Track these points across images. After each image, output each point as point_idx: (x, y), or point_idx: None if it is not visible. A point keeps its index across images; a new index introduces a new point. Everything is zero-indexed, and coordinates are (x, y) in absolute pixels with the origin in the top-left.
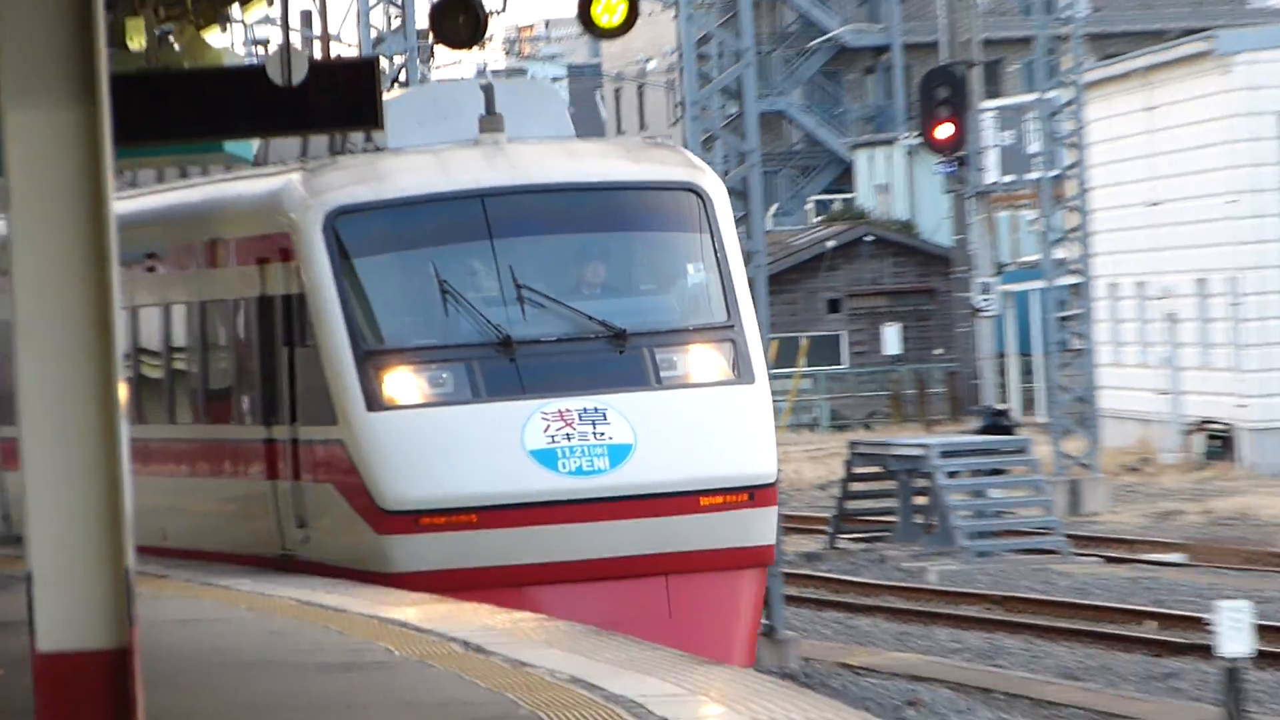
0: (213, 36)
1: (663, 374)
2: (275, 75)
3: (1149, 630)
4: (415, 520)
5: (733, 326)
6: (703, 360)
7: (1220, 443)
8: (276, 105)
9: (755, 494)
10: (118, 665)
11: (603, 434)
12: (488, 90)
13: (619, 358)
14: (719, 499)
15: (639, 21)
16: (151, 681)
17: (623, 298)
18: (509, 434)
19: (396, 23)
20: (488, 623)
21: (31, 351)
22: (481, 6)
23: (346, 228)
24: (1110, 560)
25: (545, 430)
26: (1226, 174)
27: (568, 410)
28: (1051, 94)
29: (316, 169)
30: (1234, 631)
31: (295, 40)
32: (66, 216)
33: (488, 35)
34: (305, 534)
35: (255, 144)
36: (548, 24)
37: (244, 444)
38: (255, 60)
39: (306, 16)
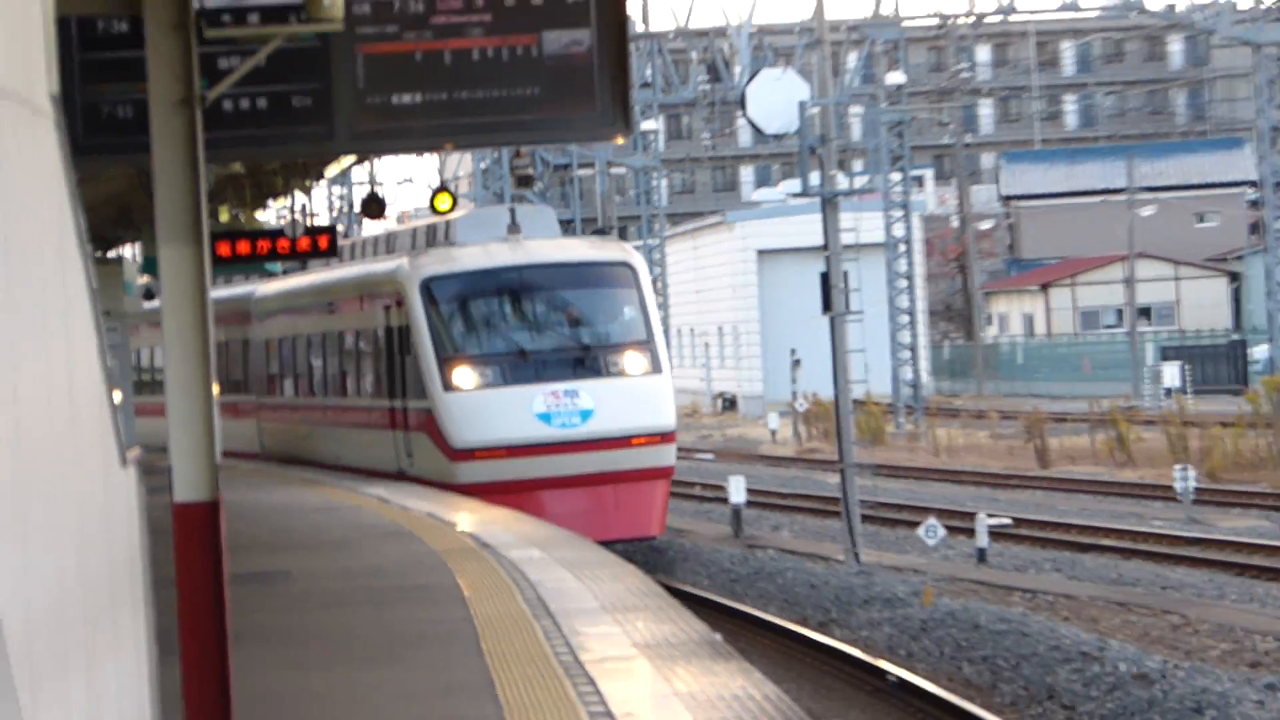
0: (259, 214)
1: (610, 369)
2: (289, 233)
3: (698, 490)
4: (472, 454)
5: (649, 341)
6: (633, 361)
7: (730, 403)
8: (289, 248)
9: (664, 437)
10: (212, 509)
11: (576, 404)
12: (512, 212)
13: (586, 360)
14: (643, 440)
15: (459, 207)
16: (229, 516)
17: (587, 326)
18: (525, 405)
19: (345, 207)
20: (389, 485)
21: (174, 364)
22: (383, 200)
23: (433, 288)
24: (679, 457)
25: (545, 402)
26: (730, 278)
27: (558, 391)
28: (651, 242)
29: (416, 255)
30: (737, 490)
31: (298, 216)
32: (188, 301)
33: (386, 214)
34: (410, 461)
35: (280, 265)
36: (416, 209)
37: (380, 409)
38: (280, 226)
39: (304, 207)
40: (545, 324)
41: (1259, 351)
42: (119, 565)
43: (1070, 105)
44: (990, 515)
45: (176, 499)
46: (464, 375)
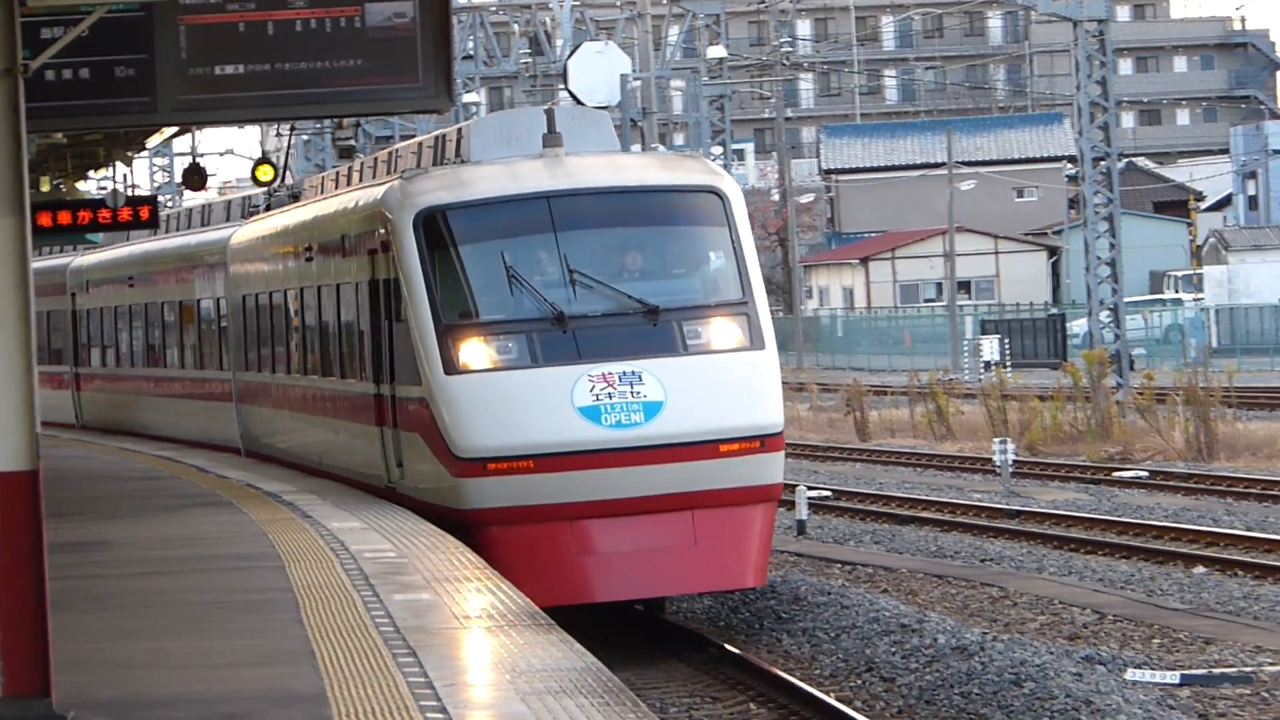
0: (81, 185)
1: (689, 342)
2: (110, 203)
3: None
4: (483, 465)
5: (746, 303)
6: (721, 331)
7: None
8: (110, 217)
9: (765, 442)
10: (32, 478)
11: (639, 393)
12: (549, 114)
13: (653, 329)
14: (735, 446)
15: (279, 180)
16: (50, 483)
17: (656, 280)
18: (561, 393)
19: (166, 178)
20: (208, 458)
21: None
22: (205, 171)
23: (433, 224)
24: None
25: (591, 390)
26: None
27: (610, 373)
28: None
29: (411, 178)
30: None
31: (120, 187)
32: (8, 270)
33: (209, 185)
34: (401, 472)
35: (101, 236)
36: (237, 180)
37: (365, 397)
38: (100, 195)
39: (125, 177)
40: (595, 277)
41: (1077, 325)
42: None
43: (890, 80)
44: (810, 487)
45: None
46: (474, 350)
